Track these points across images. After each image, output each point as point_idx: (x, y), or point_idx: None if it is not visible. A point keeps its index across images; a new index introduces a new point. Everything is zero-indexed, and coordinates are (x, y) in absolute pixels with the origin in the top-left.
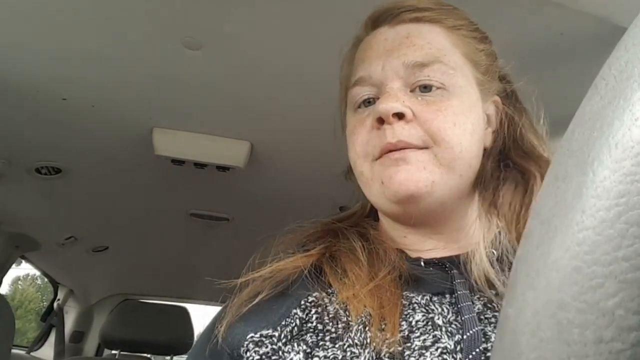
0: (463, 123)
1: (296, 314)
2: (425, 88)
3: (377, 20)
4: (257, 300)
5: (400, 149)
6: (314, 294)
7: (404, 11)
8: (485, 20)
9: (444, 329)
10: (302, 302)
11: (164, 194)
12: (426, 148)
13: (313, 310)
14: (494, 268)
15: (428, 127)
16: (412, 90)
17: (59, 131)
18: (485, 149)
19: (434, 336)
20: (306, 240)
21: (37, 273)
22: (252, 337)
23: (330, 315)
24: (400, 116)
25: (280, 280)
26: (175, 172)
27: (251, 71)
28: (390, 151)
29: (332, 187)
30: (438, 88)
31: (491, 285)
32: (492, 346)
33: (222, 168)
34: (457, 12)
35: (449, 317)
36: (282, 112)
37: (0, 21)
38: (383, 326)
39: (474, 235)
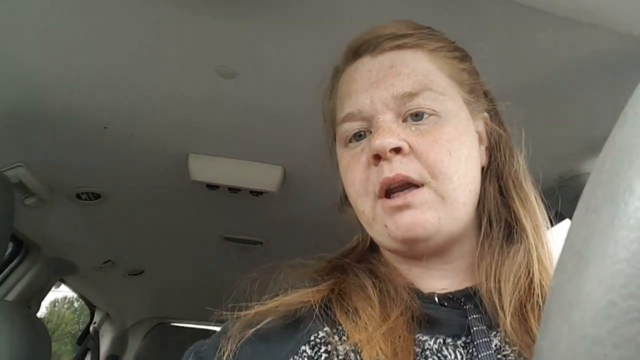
0: (458, 149)
1: (305, 351)
2: (417, 116)
3: (358, 50)
4: (261, 325)
5: (399, 183)
6: (325, 329)
7: (384, 40)
8: (516, 41)
9: None
10: (312, 338)
11: (198, 218)
12: (424, 185)
13: (322, 349)
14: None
15: (425, 160)
16: (404, 120)
17: (99, 158)
18: (482, 168)
19: None
20: (315, 275)
21: (74, 296)
22: None
23: (340, 357)
24: (397, 150)
25: (288, 313)
26: (209, 197)
27: (284, 96)
28: (390, 190)
29: (355, 217)
30: (430, 115)
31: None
32: None
33: (256, 193)
34: (435, 33)
35: None
36: (315, 138)
37: (45, 51)
38: None
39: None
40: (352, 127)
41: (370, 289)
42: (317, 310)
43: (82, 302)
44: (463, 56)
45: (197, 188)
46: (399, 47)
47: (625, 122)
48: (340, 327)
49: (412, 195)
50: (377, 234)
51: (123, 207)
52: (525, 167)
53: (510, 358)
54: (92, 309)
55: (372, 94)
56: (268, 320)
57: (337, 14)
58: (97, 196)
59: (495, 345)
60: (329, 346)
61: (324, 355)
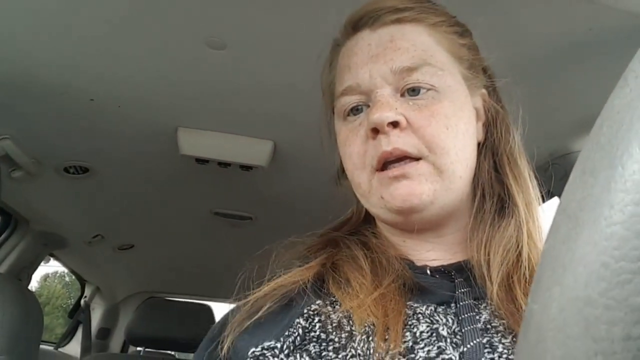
0: (455, 125)
1: (299, 323)
2: (414, 91)
3: (357, 24)
4: (259, 314)
5: (397, 157)
6: (317, 302)
7: (384, 13)
8: (511, 17)
9: (448, 340)
10: (305, 311)
11: (188, 192)
12: (422, 158)
13: (316, 319)
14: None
15: (422, 135)
16: (402, 95)
17: (86, 131)
18: (478, 143)
19: (439, 347)
20: (306, 253)
21: (65, 270)
22: (253, 351)
23: (334, 325)
24: (395, 124)
25: (283, 294)
26: (199, 171)
27: (275, 70)
28: (388, 163)
29: (351, 189)
30: (428, 90)
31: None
32: (498, 356)
33: (246, 167)
34: (436, 7)
35: (453, 327)
36: (306, 112)
37: (27, 24)
38: (386, 336)
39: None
40: (351, 100)
41: (362, 259)
42: (309, 286)
43: (73, 277)
44: (463, 31)
45: (186, 162)
46: (398, 21)
47: (626, 84)
48: (333, 299)
49: (410, 167)
50: (372, 205)
51: (112, 181)
52: (520, 144)
53: (499, 329)
54: (83, 283)
55: (371, 68)
56: (267, 307)
57: None
58: (85, 170)
59: (485, 319)
60: (322, 316)
61: (317, 325)
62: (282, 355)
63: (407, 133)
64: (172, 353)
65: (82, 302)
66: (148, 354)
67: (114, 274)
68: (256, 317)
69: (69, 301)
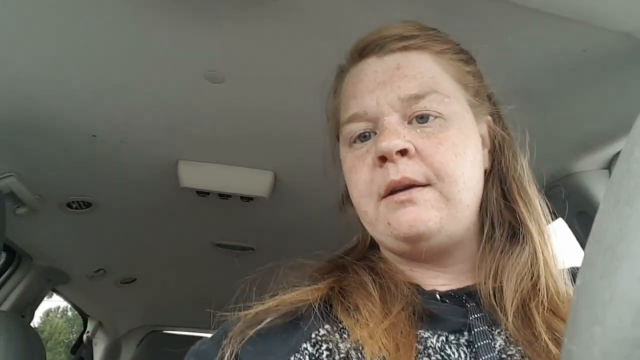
0: (463, 153)
1: (306, 349)
2: (422, 118)
3: (364, 51)
4: (260, 326)
5: (405, 186)
6: (326, 327)
7: (390, 41)
8: (506, 39)
9: None
10: (313, 336)
11: (189, 225)
12: (429, 185)
13: (324, 346)
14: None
15: (430, 162)
16: (409, 122)
17: (89, 166)
18: (485, 171)
19: None
20: (314, 274)
21: (67, 305)
22: None
23: (342, 355)
24: (403, 152)
25: (287, 312)
26: (200, 203)
27: (274, 102)
28: (395, 191)
29: (356, 217)
30: (436, 117)
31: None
32: None
33: (247, 198)
34: (441, 35)
35: None
36: (305, 142)
37: (35, 60)
38: None
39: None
40: (357, 127)
41: (371, 285)
42: (316, 308)
43: (75, 312)
44: (468, 59)
45: (187, 195)
46: (405, 49)
47: None
48: (340, 325)
49: (416, 192)
50: (379, 233)
51: (114, 215)
52: (528, 170)
53: (515, 357)
54: (85, 318)
55: (378, 95)
56: (269, 319)
57: (327, 17)
58: (87, 205)
59: (500, 345)
60: (330, 344)
61: (325, 353)
62: None
63: (415, 161)
64: None
65: (84, 337)
66: None
67: (116, 308)
68: (257, 328)
69: (72, 336)
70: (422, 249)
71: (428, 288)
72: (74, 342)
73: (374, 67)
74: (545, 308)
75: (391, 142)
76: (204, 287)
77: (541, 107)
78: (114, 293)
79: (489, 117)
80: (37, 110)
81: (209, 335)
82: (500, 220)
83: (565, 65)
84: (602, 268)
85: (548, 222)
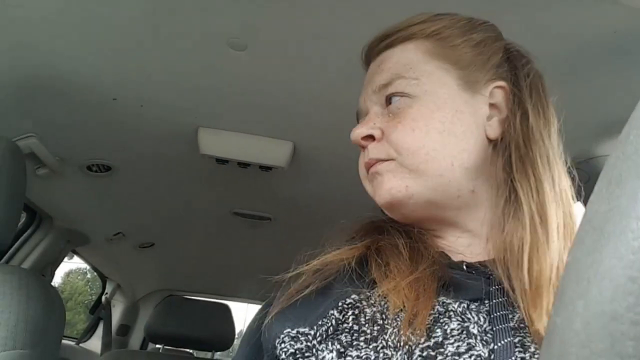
0: (424, 126)
1: (333, 314)
2: (390, 102)
3: (366, 60)
4: (307, 291)
5: (373, 165)
6: (352, 296)
7: (377, 44)
8: (535, 17)
9: (478, 337)
10: (340, 304)
11: (208, 192)
12: (392, 159)
13: (350, 312)
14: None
15: (390, 141)
16: (386, 110)
17: (109, 130)
18: (492, 140)
19: (468, 344)
20: (354, 235)
21: (87, 267)
22: (289, 332)
23: (367, 317)
24: (372, 138)
25: (328, 274)
26: (219, 171)
27: (296, 72)
28: (370, 168)
29: None
30: (402, 97)
31: None
32: (530, 356)
33: (265, 168)
34: (437, 18)
35: (484, 326)
36: (326, 113)
37: (56, 22)
38: (412, 320)
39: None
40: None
41: (402, 246)
42: (350, 269)
43: (95, 273)
44: (468, 30)
45: (206, 162)
46: (389, 46)
47: None
48: (372, 287)
49: (380, 165)
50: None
51: (133, 180)
52: (550, 144)
53: (528, 333)
54: (104, 280)
55: (364, 94)
56: (314, 287)
57: None
58: (107, 168)
59: (519, 317)
60: (357, 310)
61: (351, 317)
62: (314, 342)
63: (381, 143)
64: (190, 351)
65: (103, 298)
66: (167, 352)
67: (134, 271)
68: (305, 292)
69: (91, 297)
70: (407, 215)
71: (456, 258)
72: (92, 303)
73: (368, 71)
74: (523, 284)
75: (356, 130)
76: (221, 254)
77: (567, 86)
78: (132, 256)
79: (503, 82)
80: (59, 72)
81: (224, 302)
82: (503, 190)
83: (595, 46)
84: (590, 246)
85: (565, 195)
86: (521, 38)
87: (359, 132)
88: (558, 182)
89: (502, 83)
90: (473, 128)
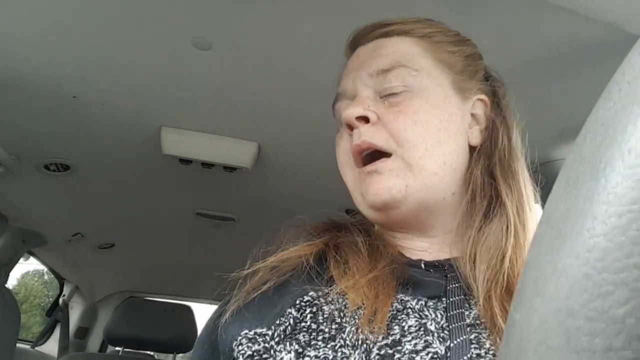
0: (425, 121)
1: (290, 313)
2: (389, 92)
3: (354, 43)
4: (264, 288)
5: (366, 149)
6: (310, 294)
7: (374, 29)
8: (493, 27)
9: (435, 334)
10: (297, 302)
11: (170, 193)
12: (392, 154)
13: (308, 310)
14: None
15: (390, 129)
16: (382, 97)
17: (68, 129)
18: (474, 147)
19: (426, 341)
20: (312, 232)
21: (43, 269)
22: (246, 333)
23: (325, 316)
24: (366, 120)
25: (286, 270)
26: (182, 172)
27: (260, 72)
28: (366, 161)
29: (338, 189)
30: (402, 91)
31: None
32: (485, 352)
33: (229, 168)
34: (430, 22)
35: (441, 323)
36: (290, 114)
37: (13, 19)
38: (372, 318)
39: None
40: (341, 105)
41: (361, 244)
42: (307, 269)
43: (52, 275)
44: (459, 40)
45: (169, 162)
46: (387, 34)
47: (609, 97)
48: (329, 284)
49: (382, 162)
50: (357, 203)
51: (93, 179)
52: (519, 150)
53: (488, 326)
54: (62, 281)
55: (354, 75)
56: (271, 283)
57: None
58: (66, 167)
59: (474, 315)
60: (314, 308)
61: (309, 316)
62: (272, 342)
63: (377, 127)
64: (151, 353)
65: (60, 300)
66: (127, 354)
67: (93, 273)
68: (262, 290)
69: (47, 299)
70: (393, 217)
71: (415, 257)
72: (49, 306)
73: (358, 53)
74: (503, 288)
75: (350, 109)
76: (183, 255)
77: (527, 93)
78: (91, 258)
79: (484, 97)
80: (17, 68)
81: (188, 303)
82: (482, 195)
83: (552, 54)
84: (548, 245)
85: (531, 202)
86: (482, 47)
87: (353, 111)
88: (527, 188)
89: (484, 97)
90: (462, 131)
